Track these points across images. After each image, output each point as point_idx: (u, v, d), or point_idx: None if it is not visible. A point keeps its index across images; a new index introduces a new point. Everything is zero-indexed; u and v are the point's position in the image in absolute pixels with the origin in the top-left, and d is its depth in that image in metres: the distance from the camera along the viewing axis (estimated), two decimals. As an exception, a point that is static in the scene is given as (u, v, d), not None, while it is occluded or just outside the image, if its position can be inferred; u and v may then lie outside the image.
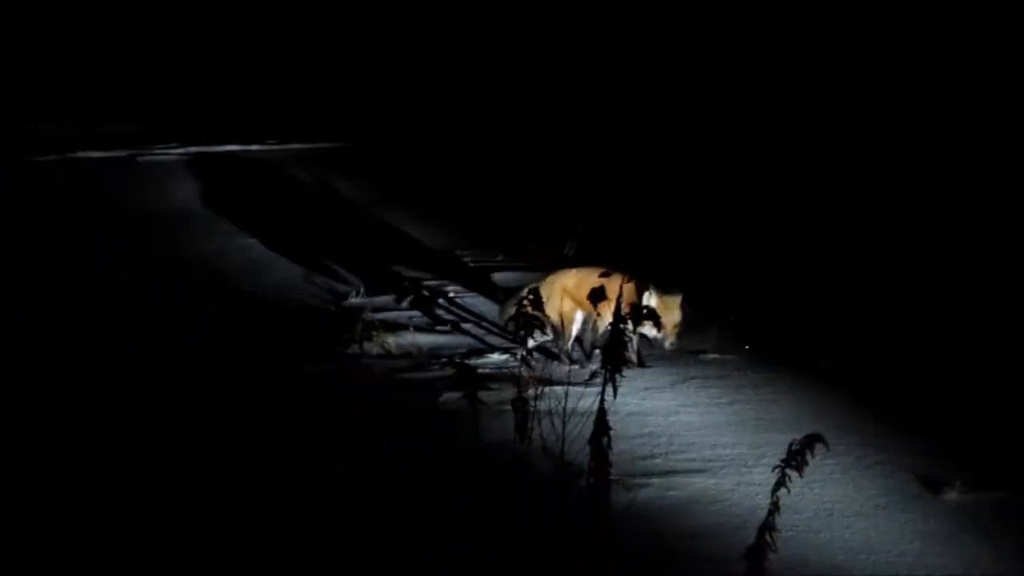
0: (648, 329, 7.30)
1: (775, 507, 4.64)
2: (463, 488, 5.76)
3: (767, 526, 4.66)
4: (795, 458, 4.66)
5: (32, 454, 6.19)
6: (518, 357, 5.75)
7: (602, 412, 5.15)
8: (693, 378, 7.36)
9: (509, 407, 5.30)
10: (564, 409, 5.54)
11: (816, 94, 12.22)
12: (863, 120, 11.67)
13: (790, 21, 13.16)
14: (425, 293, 8.86)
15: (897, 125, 11.43)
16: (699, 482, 5.99)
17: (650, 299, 7.29)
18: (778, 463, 4.66)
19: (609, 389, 5.14)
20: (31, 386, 7.04)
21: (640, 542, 5.42)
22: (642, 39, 14.17)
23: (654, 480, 6.00)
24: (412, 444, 6.26)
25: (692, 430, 6.61)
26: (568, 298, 7.43)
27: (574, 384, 6.62)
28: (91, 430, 6.46)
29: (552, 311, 7.46)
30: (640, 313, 5.39)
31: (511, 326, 7.62)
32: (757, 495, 5.62)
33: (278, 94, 15.71)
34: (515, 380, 5.74)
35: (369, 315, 8.10)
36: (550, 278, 7.55)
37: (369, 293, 8.77)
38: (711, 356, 7.61)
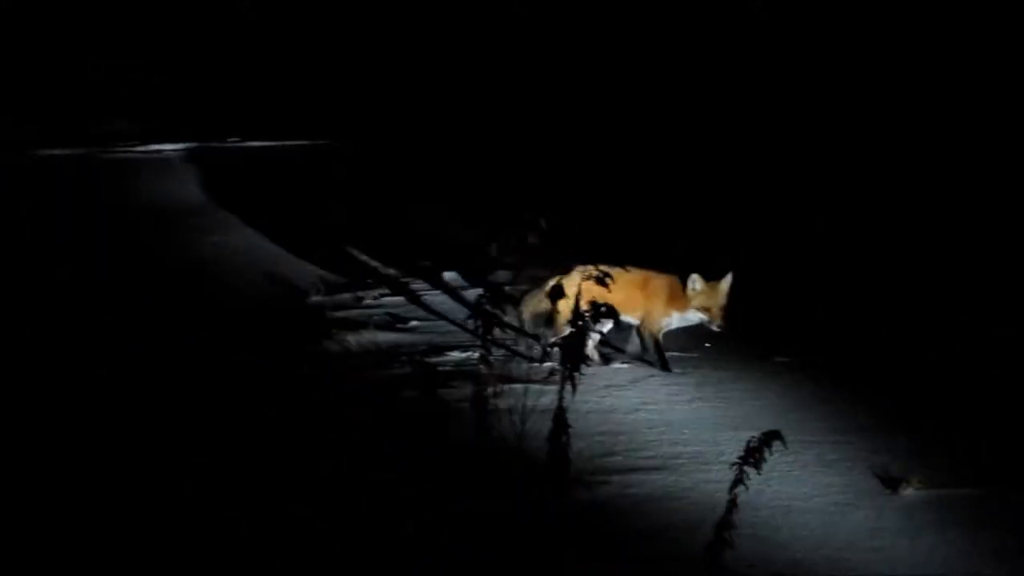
0: (694, 315, 7.38)
1: (733, 504, 4.65)
2: (463, 488, 5.76)
3: (725, 523, 4.67)
4: (753, 455, 4.67)
5: (32, 454, 6.18)
6: (478, 355, 5.79)
7: (561, 410, 5.17)
8: (653, 376, 7.37)
9: (468, 405, 5.33)
10: (523, 407, 5.56)
11: (816, 94, 12.22)
12: (863, 120, 11.67)
13: (790, 21, 13.16)
14: (387, 291, 8.89)
15: (897, 125, 11.44)
16: (658, 480, 6.00)
17: (695, 284, 7.35)
18: (736, 460, 4.67)
19: (568, 386, 5.16)
20: (31, 386, 7.04)
21: (599, 540, 5.42)
22: (642, 39, 14.17)
23: (614, 478, 6.01)
24: (412, 444, 6.26)
25: (652, 428, 6.63)
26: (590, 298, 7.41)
27: (533, 382, 6.67)
28: (91, 430, 6.46)
29: (566, 308, 7.42)
30: (599, 311, 5.43)
31: (530, 322, 7.64)
32: (716, 493, 5.54)
33: (277, 93, 15.71)
34: (475, 378, 5.78)
35: (330, 314, 8.15)
36: (573, 275, 7.51)
37: (331, 292, 8.79)
38: (672, 354, 7.60)
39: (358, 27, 16.83)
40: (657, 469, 6.11)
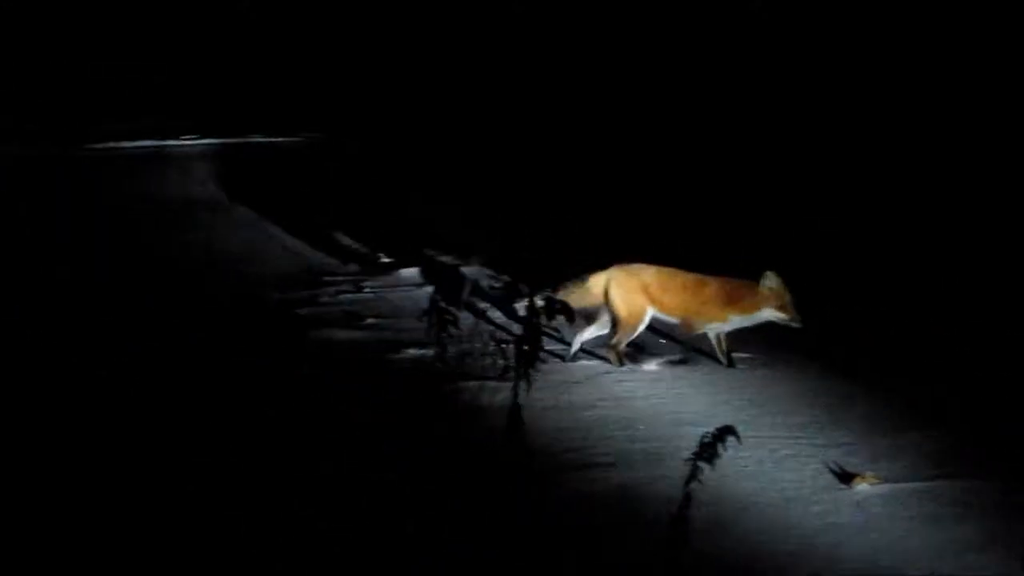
0: (770, 313, 7.34)
1: (687, 500, 4.65)
2: (463, 488, 5.76)
3: (680, 519, 4.66)
4: (707, 451, 4.67)
5: (32, 454, 6.18)
6: (433, 352, 5.82)
7: (516, 407, 5.19)
8: (609, 372, 7.38)
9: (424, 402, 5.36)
10: (479, 405, 5.55)
11: (816, 94, 12.22)
12: (863, 120, 11.67)
13: (790, 21, 13.16)
14: (346, 288, 8.93)
15: (898, 125, 11.44)
16: (614, 476, 6.00)
17: (769, 281, 7.32)
18: (690, 456, 4.67)
19: (523, 383, 5.17)
20: (31, 386, 7.04)
21: (555, 535, 5.42)
22: (642, 39, 14.17)
23: (570, 474, 6.01)
24: (412, 444, 6.27)
25: (608, 424, 6.64)
26: (644, 296, 7.38)
27: (489, 378, 6.69)
28: (91, 430, 6.46)
29: (621, 305, 7.42)
30: (553, 308, 5.46)
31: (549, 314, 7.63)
32: (672, 489, 5.52)
33: (277, 92, 15.74)
34: (431, 375, 5.80)
35: (285, 312, 8.22)
36: (624, 273, 7.47)
37: (287, 289, 8.84)
38: (626, 349, 7.61)
39: (358, 28, 16.84)
40: (613, 465, 6.11)
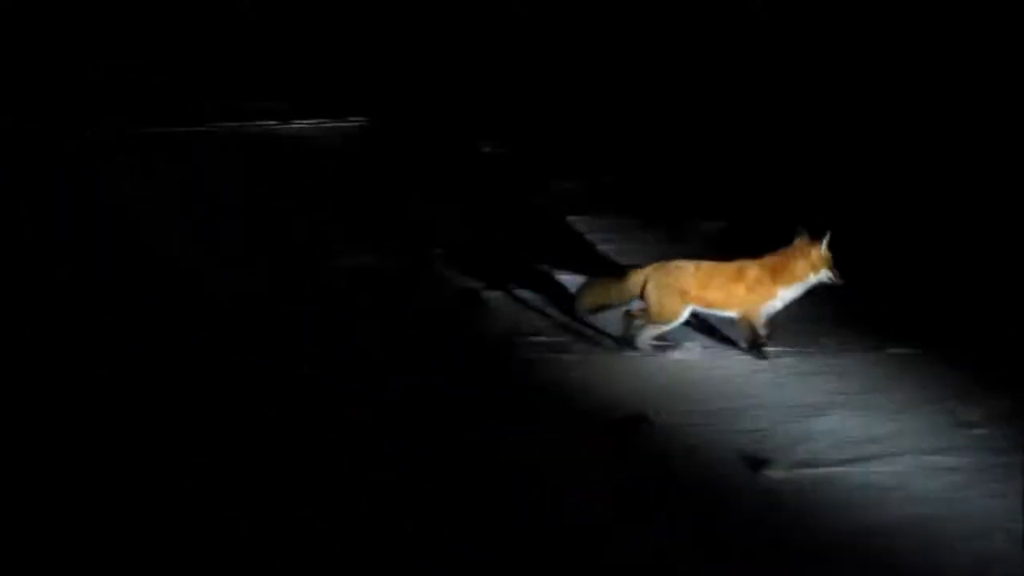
0: (821, 275, 7.29)
1: (594, 489, 4.65)
2: (463, 488, 5.77)
3: (585, 508, 4.67)
4: (618, 439, 4.66)
5: (32, 454, 6.19)
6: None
7: (455, 396, 5.24)
8: (526, 358, 7.37)
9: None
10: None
11: (816, 94, 12.23)
12: (864, 120, 11.67)
13: (790, 21, 13.17)
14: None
15: (898, 125, 11.44)
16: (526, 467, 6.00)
17: (802, 238, 7.32)
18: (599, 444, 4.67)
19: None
20: (31, 386, 7.04)
21: (476, 528, 5.45)
22: (642, 39, 14.18)
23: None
24: (412, 444, 6.28)
25: (515, 412, 6.65)
26: (680, 298, 7.32)
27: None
28: (91, 430, 6.47)
29: (655, 303, 7.33)
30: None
31: (588, 313, 7.61)
32: (579, 479, 5.60)
33: (275, 91, 15.76)
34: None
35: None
36: (661, 273, 7.38)
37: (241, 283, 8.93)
38: (540, 339, 7.61)
39: (361, 27, 16.86)
40: (523, 458, 6.09)
